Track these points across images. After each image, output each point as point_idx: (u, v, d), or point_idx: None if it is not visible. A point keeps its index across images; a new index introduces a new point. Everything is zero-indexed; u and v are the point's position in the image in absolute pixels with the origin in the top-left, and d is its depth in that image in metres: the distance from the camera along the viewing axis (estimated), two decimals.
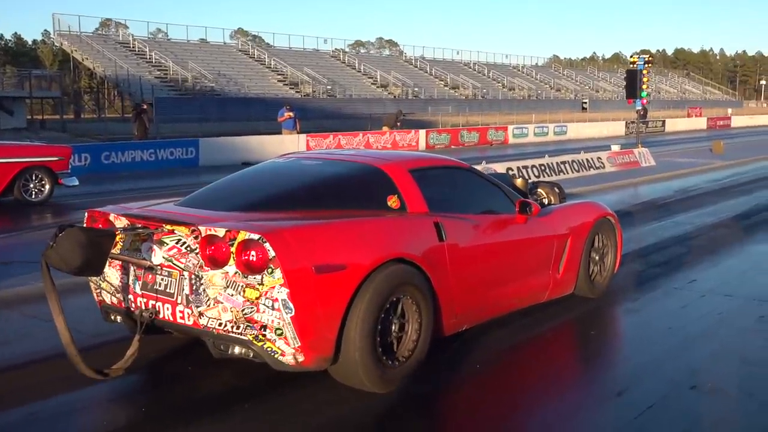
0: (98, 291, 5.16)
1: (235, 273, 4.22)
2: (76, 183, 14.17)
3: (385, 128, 30.39)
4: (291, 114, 25.57)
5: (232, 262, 4.22)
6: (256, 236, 4.15)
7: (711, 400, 4.73)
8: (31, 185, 13.39)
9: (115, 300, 4.98)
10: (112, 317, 5.10)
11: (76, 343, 4.43)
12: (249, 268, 4.18)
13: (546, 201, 8.19)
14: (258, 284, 4.16)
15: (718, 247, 9.55)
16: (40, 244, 9.36)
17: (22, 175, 13.22)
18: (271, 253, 4.10)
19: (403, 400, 4.64)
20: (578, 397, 4.84)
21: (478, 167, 7.68)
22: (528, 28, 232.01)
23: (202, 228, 4.35)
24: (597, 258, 6.92)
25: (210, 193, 5.43)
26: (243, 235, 4.18)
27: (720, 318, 6.47)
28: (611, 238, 7.11)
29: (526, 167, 16.95)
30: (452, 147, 32.75)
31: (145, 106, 26.89)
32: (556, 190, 8.94)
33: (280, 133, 26.40)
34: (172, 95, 44.33)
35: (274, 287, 4.13)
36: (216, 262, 4.29)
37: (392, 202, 5.13)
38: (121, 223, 4.85)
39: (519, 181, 8.22)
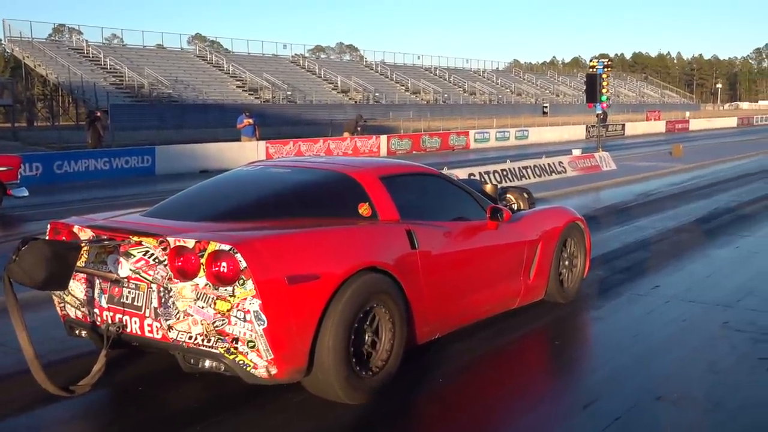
0: (62, 305, 5.02)
1: (206, 285, 4.14)
2: (26, 194, 13.84)
3: (345, 134, 30.25)
4: (250, 121, 25.28)
5: (202, 273, 4.14)
6: (226, 247, 4.07)
7: (678, 410, 4.66)
8: None
9: (80, 314, 4.85)
10: (77, 332, 4.97)
11: (40, 359, 4.30)
12: (220, 280, 4.10)
13: (515, 206, 8.14)
14: (229, 296, 4.09)
15: (680, 252, 9.57)
16: None
17: None
18: (243, 264, 4.03)
19: (376, 412, 4.56)
20: (544, 410, 4.72)
21: None
22: (488, 32, 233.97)
23: (170, 239, 4.25)
24: (567, 263, 6.93)
25: (177, 203, 5.33)
26: (213, 246, 4.10)
27: (685, 325, 6.44)
28: (581, 243, 7.12)
29: (488, 172, 16.93)
30: (414, 152, 32.70)
31: (98, 114, 26.37)
32: (525, 195, 8.90)
33: (239, 140, 26.09)
34: (128, 102, 43.74)
35: (245, 299, 4.06)
36: (185, 273, 4.20)
37: (363, 209, 5.08)
38: (85, 234, 4.72)
39: (488, 187, 8.16)
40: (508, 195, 8.81)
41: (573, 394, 5.02)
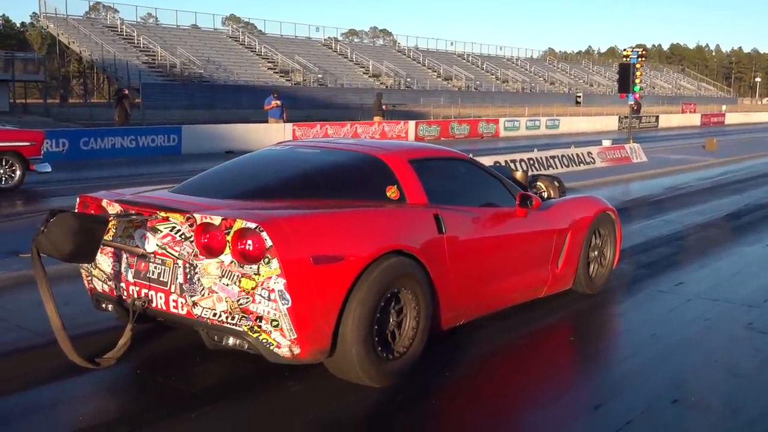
0: (89, 278, 5.04)
1: (231, 262, 4.13)
2: (49, 169, 13.80)
3: (376, 118, 30.06)
4: (278, 102, 25.17)
5: (227, 251, 4.14)
6: (253, 225, 4.05)
7: (694, 415, 4.45)
8: (1, 171, 13.03)
9: (106, 288, 4.87)
10: (104, 305, 4.99)
11: (66, 330, 4.37)
12: (245, 258, 4.10)
13: (545, 194, 7.98)
14: (254, 274, 4.07)
15: (707, 248, 9.27)
16: (7, 233, 9.23)
17: None
18: (269, 243, 4.01)
19: (395, 396, 4.51)
20: (553, 409, 4.51)
21: None
22: (523, 20, 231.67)
23: (197, 216, 4.25)
24: (596, 253, 6.81)
25: (205, 181, 5.34)
26: (240, 224, 4.09)
27: (707, 324, 6.19)
28: (611, 233, 7.01)
29: (514, 161, 16.64)
30: (442, 139, 32.42)
31: (126, 92, 26.48)
32: (556, 183, 8.75)
33: (267, 121, 26.02)
34: (159, 81, 43.80)
35: (270, 277, 4.04)
36: (211, 250, 4.20)
37: (391, 192, 5.04)
38: (113, 209, 4.72)
39: (519, 174, 8.04)
40: (538, 183, 8.69)
41: (584, 393, 4.80)
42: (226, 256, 4.15)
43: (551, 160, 17.97)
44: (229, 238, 4.12)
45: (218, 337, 4.32)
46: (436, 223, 4.98)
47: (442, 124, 34.61)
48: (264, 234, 4.02)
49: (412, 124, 32.00)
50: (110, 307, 4.93)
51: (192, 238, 4.27)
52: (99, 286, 4.96)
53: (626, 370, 5.13)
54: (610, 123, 45.17)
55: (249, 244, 4.09)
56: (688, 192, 15.18)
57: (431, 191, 5.20)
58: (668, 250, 9.13)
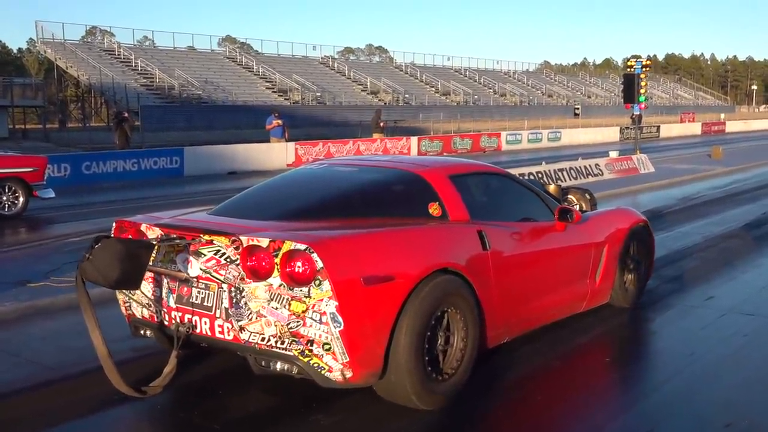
0: (127, 304, 4.93)
1: (280, 285, 4.03)
2: (53, 195, 13.60)
3: (375, 135, 29.86)
4: (279, 122, 25.00)
5: (276, 273, 4.03)
6: (302, 246, 3.96)
7: None
8: (4, 198, 12.79)
9: (146, 314, 4.77)
10: (142, 332, 4.90)
11: (113, 359, 4.28)
12: (295, 280, 4.00)
13: (577, 207, 7.78)
14: (305, 297, 3.98)
15: (731, 260, 9.03)
16: (12, 262, 9.00)
17: None
18: (319, 264, 3.92)
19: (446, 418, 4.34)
20: None
21: None
22: (519, 34, 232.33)
23: (243, 238, 4.15)
24: (632, 266, 6.68)
25: (244, 202, 5.25)
26: (288, 246, 3.99)
27: (746, 341, 5.94)
28: (645, 245, 6.91)
29: (522, 174, 16.40)
30: (445, 154, 32.19)
31: (126, 114, 26.26)
32: (587, 196, 8.57)
33: (268, 141, 25.83)
34: (158, 103, 43.76)
35: (321, 300, 3.95)
36: (258, 274, 4.10)
37: (433, 209, 4.97)
38: (153, 233, 4.62)
39: (552, 187, 7.88)
40: (569, 196, 8.52)
41: (630, 421, 4.52)
42: (275, 279, 4.03)
43: (559, 173, 17.76)
44: (277, 260, 4.01)
45: (266, 362, 4.20)
46: (480, 239, 4.89)
47: (444, 139, 34.43)
48: (314, 255, 3.92)
49: (414, 139, 31.80)
50: (149, 333, 4.82)
51: (238, 261, 4.16)
52: (139, 312, 4.83)
53: (669, 393, 4.87)
54: (612, 134, 45.05)
55: (299, 267, 3.97)
56: (702, 202, 14.95)
57: (472, 207, 5.15)
58: (692, 262, 8.90)
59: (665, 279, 7.96)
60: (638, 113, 23.70)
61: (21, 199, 12.97)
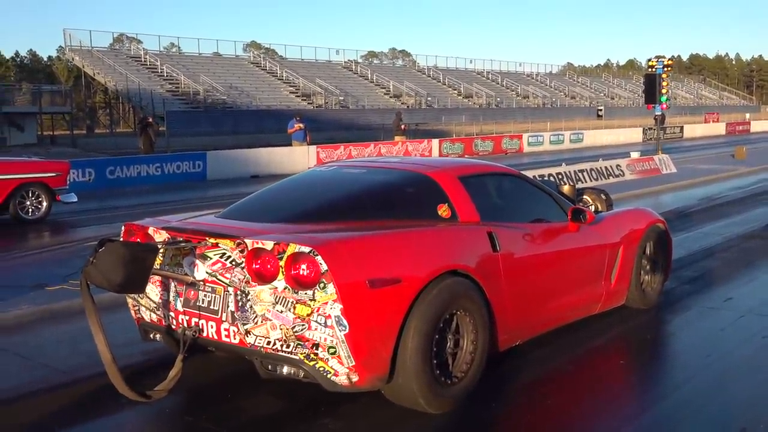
0: (136, 308, 4.88)
1: (285, 288, 3.96)
2: (75, 199, 13.63)
3: (397, 138, 29.79)
4: (301, 125, 25.02)
5: (281, 276, 3.97)
6: (307, 249, 3.89)
7: None
8: (28, 203, 12.86)
9: (155, 317, 4.71)
10: (151, 335, 4.85)
11: (117, 363, 4.21)
12: (299, 283, 3.93)
13: (593, 208, 7.66)
14: (309, 300, 3.90)
15: (752, 261, 8.84)
16: (33, 266, 9.03)
17: (18, 192, 12.70)
18: (324, 267, 3.85)
19: (456, 423, 4.24)
20: None
21: None
22: (541, 35, 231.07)
23: (248, 241, 4.09)
24: (649, 267, 6.54)
25: (252, 204, 5.18)
26: (293, 248, 3.92)
27: (764, 343, 5.80)
28: (662, 246, 6.78)
29: (542, 176, 16.24)
30: (466, 156, 32.04)
31: (150, 120, 26.46)
32: (603, 196, 8.45)
33: (290, 144, 25.86)
34: (183, 108, 43.98)
35: (326, 303, 3.87)
36: (263, 277, 4.04)
37: (443, 211, 4.88)
38: (160, 236, 4.56)
39: (566, 188, 7.77)
40: (584, 196, 8.40)
41: (645, 425, 4.38)
42: (280, 282, 3.97)
43: (580, 174, 17.56)
44: (282, 263, 3.94)
45: (272, 366, 4.14)
46: (490, 241, 4.79)
47: (466, 141, 34.28)
48: (319, 258, 3.85)
49: (435, 142, 31.71)
50: (158, 337, 4.76)
51: (243, 264, 4.10)
52: (147, 315, 4.77)
53: (685, 397, 4.73)
54: (634, 135, 44.63)
55: (303, 269, 3.91)
56: (723, 202, 14.70)
57: (482, 208, 5.05)
58: (712, 263, 8.72)
59: (684, 280, 7.79)
60: (660, 113, 23.37)
61: (44, 204, 13.02)
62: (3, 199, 12.48)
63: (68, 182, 13.59)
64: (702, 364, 5.32)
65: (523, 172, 6.19)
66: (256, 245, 4.06)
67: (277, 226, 4.48)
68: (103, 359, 4.22)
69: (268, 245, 4.01)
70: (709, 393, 4.79)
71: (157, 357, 5.37)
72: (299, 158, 24.90)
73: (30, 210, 12.89)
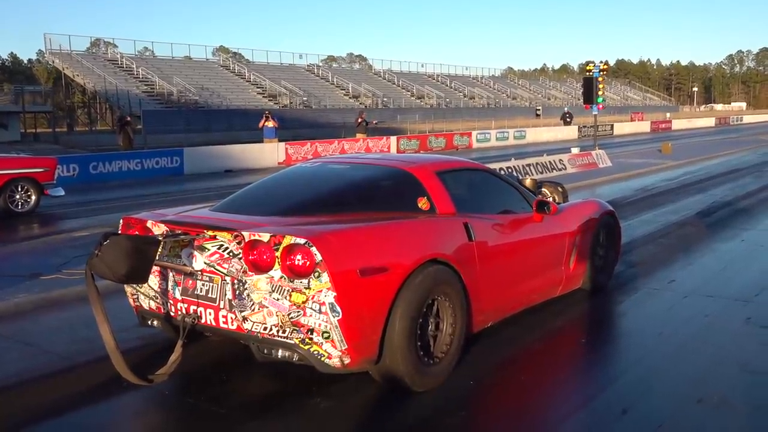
0: (135, 296, 4.77)
1: (281, 277, 3.89)
2: (62, 193, 13.28)
3: (359, 135, 29.62)
4: (271, 123, 24.77)
5: (277, 266, 3.89)
6: (302, 240, 3.83)
7: (721, 415, 4.07)
8: (17, 196, 12.48)
9: (153, 305, 4.60)
10: (149, 322, 4.73)
11: (121, 350, 4.08)
12: (295, 273, 3.87)
13: (551, 199, 7.69)
14: (305, 288, 3.85)
15: (688, 246, 8.94)
16: (26, 256, 8.71)
17: (8, 186, 12.32)
18: (318, 257, 3.79)
19: (419, 410, 4.14)
20: (581, 417, 4.10)
21: None
22: (485, 42, 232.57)
23: (245, 233, 4.02)
24: (602, 253, 6.62)
25: (245, 199, 5.05)
26: (288, 240, 3.86)
27: (708, 321, 5.82)
28: (613, 234, 6.87)
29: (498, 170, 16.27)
30: (422, 152, 31.99)
31: (128, 119, 25.90)
32: (560, 189, 8.47)
33: (261, 141, 25.54)
34: (158, 108, 43.10)
35: (321, 291, 3.82)
36: (260, 267, 3.96)
37: (422, 203, 4.86)
38: (159, 229, 4.44)
39: (528, 181, 7.79)
40: (543, 189, 8.41)
41: (608, 398, 4.35)
42: (276, 272, 3.89)
43: (527, 168, 17.63)
44: (278, 254, 3.87)
45: (268, 350, 4.06)
46: (466, 231, 4.78)
47: (421, 138, 34.23)
48: (313, 249, 3.79)
49: (393, 139, 31.59)
50: (156, 323, 4.67)
51: (240, 255, 4.01)
52: (146, 303, 4.66)
53: (644, 371, 4.73)
54: (571, 132, 45.07)
55: (298, 259, 3.84)
56: (657, 193, 14.85)
57: (457, 201, 5.01)
58: (653, 248, 8.79)
59: (630, 264, 7.84)
60: (596, 113, 23.59)
61: (33, 198, 12.68)
62: None
63: (56, 177, 13.19)
64: (656, 341, 5.32)
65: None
66: (252, 237, 3.98)
67: (271, 219, 4.39)
68: (107, 346, 4.07)
69: (265, 237, 3.93)
70: (664, 368, 4.77)
71: (154, 342, 5.22)
72: (269, 154, 24.62)
73: (20, 203, 12.51)
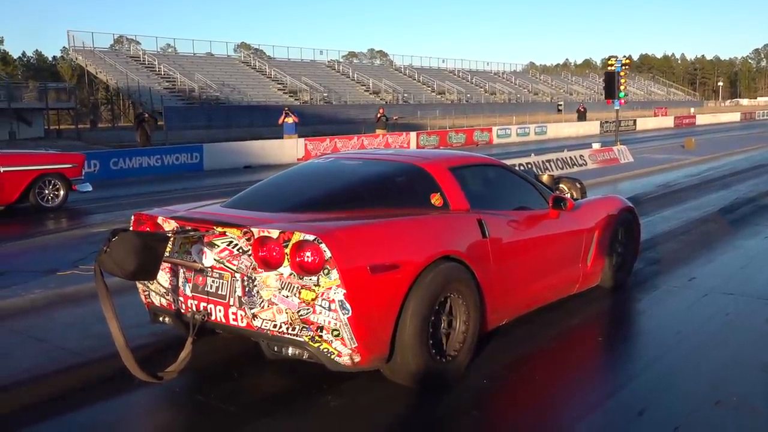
0: (146, 293, 4.74)
1: (290, 274, 3.85)
2: (90, 189, 13.48)
3: (378, 131, 29.57)
4: (291, 118, 24.79)
5: (286, 263, 3.85)
6: (311, 237, 3.77)
7: (739, 417, 3.96)
8: (46, 191, 12.67)
9: (164, 302, 4.57)
10: (161, 318, 4.70)
11: (131, 347, 4.06)
12: (304, 270, 3.82)
13: (569, 196, 7.56)
14: (314, 285, 3.80)
15: (710, 243, 8.77)
16: (49, 251, 8.76)
17: (38, 182, 12.50)
18: (327, 254, 3.74)
19: (432, 409, 4.06)
20: (597, 417, 4.02)
21: None
22: (506, 37, 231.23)
23: (254, 230, 3.97)
24: (620, 250, 6.49)
25: (256, 195, 5.01)
26: (298, 237, 3.81)
27: (728, 320, 5.70)
28: (632, 231, 6.73)
29: (513, 166, 16.13)
30: (441, 147, 31.87)
31: (146, 115, 26.00)
32: (578, 185, 8.33)
33: (281, 137, 25.57)
34: (180, 105, 43.33)
35: (330, 288, 3.77)
36: (269, 263, 3.92)
37: (435, 200, 4.78)
38: (169, 226, 4.42)
39: (545, 177, 7.67)
40: (561, 185, 8.28)
41: (625, 398, 4.26)
42: (285, 269, 3.84)
43: (547, 164, 17.48)
44: (287, 250, 3.82)
45: (278, 347, 4.02)
46: (479, 227, 4.70)
47: (440, 134, 34.11)
48: (323, 245, 3.74)
49: (413, 135, 31.51)
50: (167, 320, 4.63)
51: (250, 252, 3.97)
52: (157, 300, 4.63)
53: (661, 371, 4.63)
54: (592, 128, 44.67)
55: (308, 256, 3.79)
56: (679, 189, 14.63)
57: (471, 197, 4.93)
58: (674, 245, 8.64)
59: (650, 261, 7.71)
60: (617, 108, 23.32)
61: (61, 193, 12.87)
62: (24, 188, 12.30)
63: (83, 173, 13.42)
64: (673, 341, 5.21)
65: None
66: (262, 234, 3.93)
67: (281, 215, 4.33)
68: (116, 343, 4.05)
69: (274, 234, 3.89)
70: (682, 368, 4.68)
71: (166, 338, 5.20)
72: (289, 150, 24.63)
73: (48, 198, 12.70)
